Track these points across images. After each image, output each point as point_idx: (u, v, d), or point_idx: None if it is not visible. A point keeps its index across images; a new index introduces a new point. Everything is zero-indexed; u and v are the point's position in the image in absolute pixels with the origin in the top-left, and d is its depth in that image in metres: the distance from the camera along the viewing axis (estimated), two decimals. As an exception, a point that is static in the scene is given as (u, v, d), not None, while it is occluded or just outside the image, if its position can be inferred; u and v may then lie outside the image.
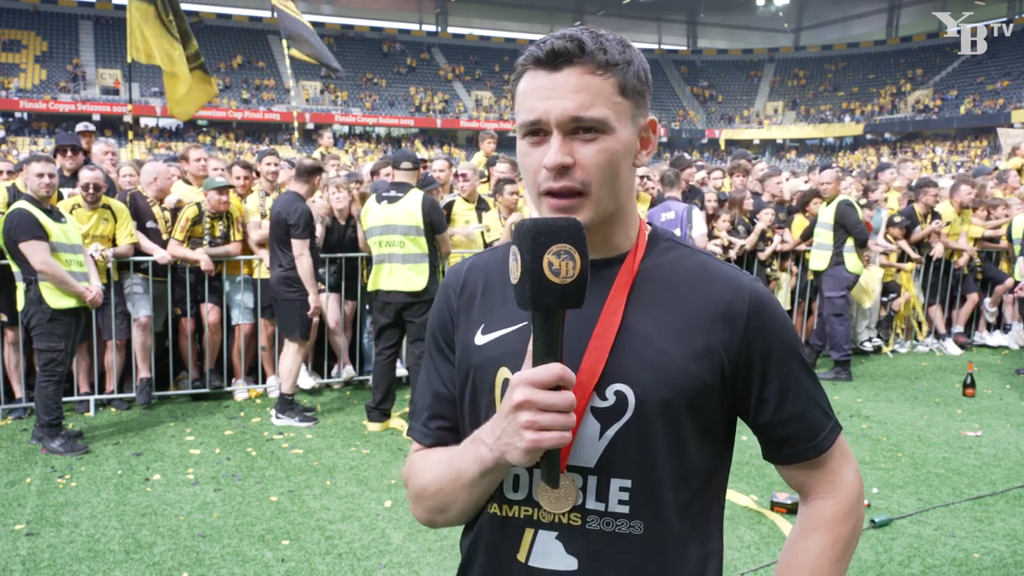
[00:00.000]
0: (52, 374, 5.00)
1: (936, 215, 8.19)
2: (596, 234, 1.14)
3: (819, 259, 7.34)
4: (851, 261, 7.14)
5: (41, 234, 4.93)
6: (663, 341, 1.11)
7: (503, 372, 1.15)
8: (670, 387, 1.10)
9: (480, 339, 1.19)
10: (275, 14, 10.65)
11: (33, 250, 4.90)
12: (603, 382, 1.10)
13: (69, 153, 6.37)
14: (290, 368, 5.73)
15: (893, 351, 8.35)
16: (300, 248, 5.61)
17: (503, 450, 1.03)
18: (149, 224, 6.11)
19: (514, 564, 1.14)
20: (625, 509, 1.10)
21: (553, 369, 0.98)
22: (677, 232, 6.46)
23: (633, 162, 1.15)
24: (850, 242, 7.08)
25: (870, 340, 8.19)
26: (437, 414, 1.25)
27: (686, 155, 11.92)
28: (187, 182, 6.80)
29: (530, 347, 1.03)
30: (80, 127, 7.39)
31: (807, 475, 1.21)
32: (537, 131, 1.10)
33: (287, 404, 5.74)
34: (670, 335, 1.11)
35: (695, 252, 1.21)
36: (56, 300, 4.96)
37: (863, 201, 8.05)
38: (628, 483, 1.10)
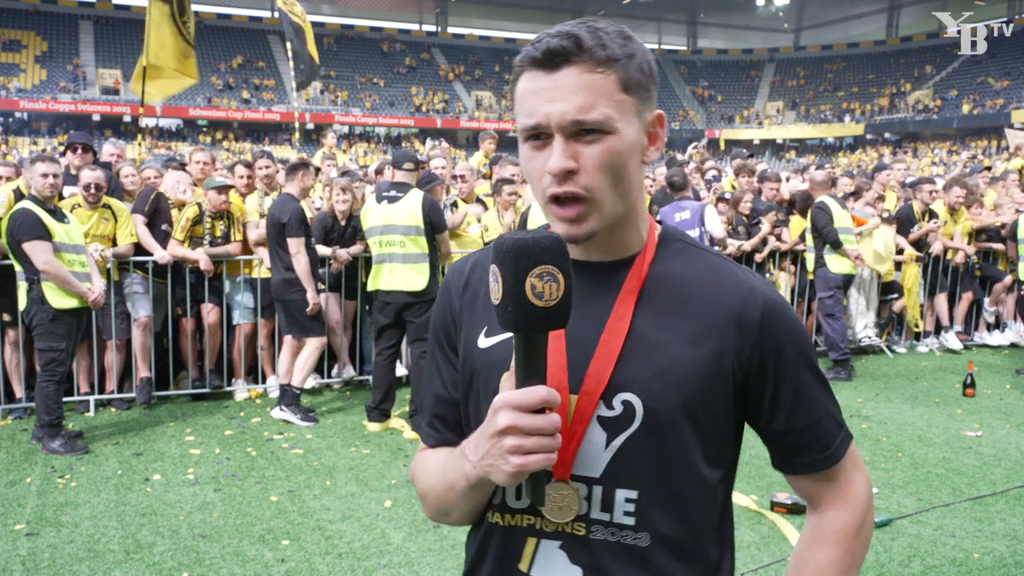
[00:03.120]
0: (53, 374, 5.00)
1: (934, 214, 8.21)
2: (605, 235, 1.10)
3: (809, 261, 7.53)
4: (832, 262, 7.22)
5: (44, 234, 4.94)
6: (672, 348, 1.08)
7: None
8: (679, 396, 1.07)
9: (484, 342, 1.16)
10: (275, 14, 10.63)
11: (36, 250, 4.91)
12: (610, 391, 1.07)
13: (80, 151, 6.36)
14: (307, 363, 5.77)
15: (893, 351, 8.35)
16: (296, 246, 5.63)
17: (487, 471, 1.01)
18: (164, 227, 6.14)
19: (516, 574, 1.13)
20: (631, 520, 1.08)
21: (538, 392, 0.96)
22: (695, 232, 6.46)
23: (641, 159, 1.10)
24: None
25: (870, 339, 8.19)
26: (438, 415, 1.24)
27: (678, 156, 11.88)
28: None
29: (512, 367, 1.00)
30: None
31: (818, 486, 1.19)
32: (539, 135, 1.06)
33: (293, 398, 5.74)
34: (679, 342, 1.08)
35: (707, 254, 1.17)
36: (58, 300, 4.97)
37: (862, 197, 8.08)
38: (634, 494, 1.08)
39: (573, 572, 1.09)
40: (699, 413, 1.08)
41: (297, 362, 5.82)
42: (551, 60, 1.03)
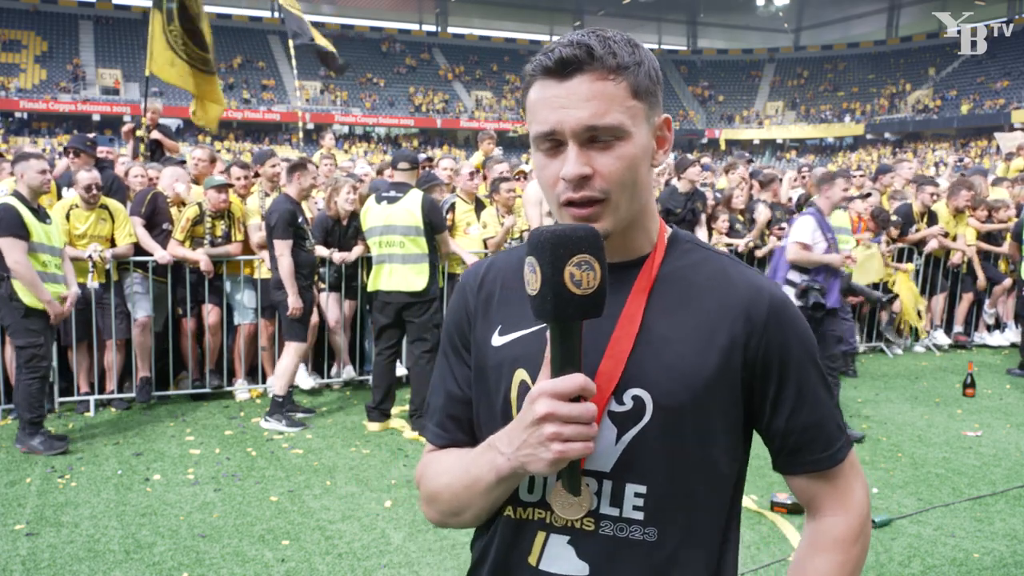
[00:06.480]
0: (35, 370, 4.91)
1: (933, 215, 8.20)
2: (617, 237, 1.12)
3: None
4: None
5: (23, 233, 4.85)
6: (682, 344, 1.10)
7: (520, 374, 1.14)
8: (689, 392, 1.08)
9: (497, 340, 1.18)
10: (277, 14, 10.63)
11: (9, 247, 4.81)
12: (621, 386, 1.09)
13: (81, 155, 6.35)
14: (286, 369, 5.69)
15: (893, 351, 8.35)
16: (280, 248, 5.59)
17: (523, 461, 1.02)
18: (164, 225, 6.14)
19: (524, 567, 1.14)
20: (639, 515, 1.09)
21: (576, 380, 0.98)
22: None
23: (651, 163, 1.13)
24: None
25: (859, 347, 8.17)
26: (450, 415, 1.24)
27: (689, 155, 11.92)
28: (194, 181, 6.84)
29: (547, 356, 1.02)
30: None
31: (818, 488, 1.19)
32: (553, 142, 1.08)
33: (276, 407, 5.65)
34: (689, 338, 1.10)
35: (717, 255, 1.20)
36: (30, 297, 4.88)
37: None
38: (643, 489, 1.09)
39: (580, 567, 1.10)
40: (710, 409, 1.10)
41: (277, 368, 5.79)
42: (564, 69, 1.06)
